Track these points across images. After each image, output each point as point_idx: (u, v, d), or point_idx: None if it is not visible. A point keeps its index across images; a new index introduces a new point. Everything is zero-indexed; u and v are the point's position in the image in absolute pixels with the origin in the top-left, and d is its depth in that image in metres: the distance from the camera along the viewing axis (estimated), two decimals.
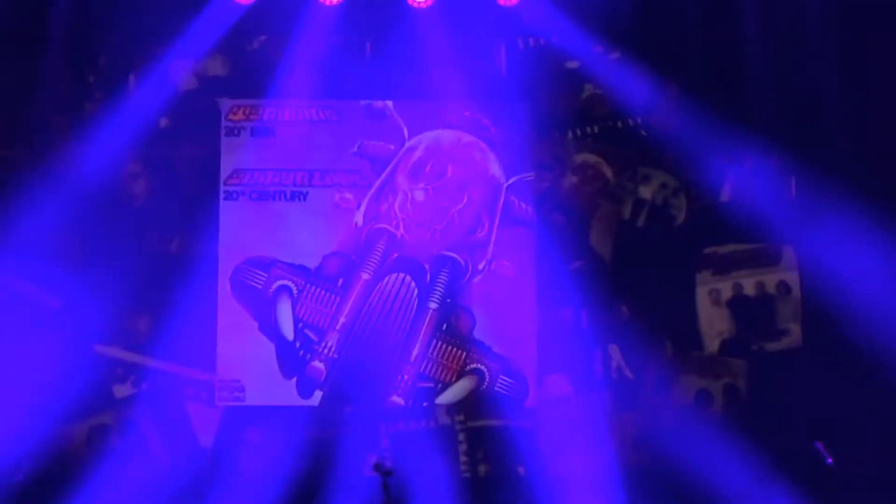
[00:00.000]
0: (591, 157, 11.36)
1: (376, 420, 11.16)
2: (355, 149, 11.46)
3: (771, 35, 11.12)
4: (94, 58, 11.25)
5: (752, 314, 11.24)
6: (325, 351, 11.26)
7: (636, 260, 11.23)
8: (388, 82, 11.36)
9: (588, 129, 11.38)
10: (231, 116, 11.48)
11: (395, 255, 11.41)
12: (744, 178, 11.14)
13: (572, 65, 11.35)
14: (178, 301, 11.03)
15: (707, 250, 11.27)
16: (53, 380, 10.75)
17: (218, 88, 11.40)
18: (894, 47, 11.00)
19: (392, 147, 11.46)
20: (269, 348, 11.32)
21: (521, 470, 11.01)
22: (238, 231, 11.38)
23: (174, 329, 11.02)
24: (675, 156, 11.18)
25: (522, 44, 11.38)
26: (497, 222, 11.40)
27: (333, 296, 11.35)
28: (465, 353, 11.31)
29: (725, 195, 11.24)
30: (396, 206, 11.39)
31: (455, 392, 11.27)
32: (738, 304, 11.26)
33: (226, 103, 11.48)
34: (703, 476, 10.60)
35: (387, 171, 11.42)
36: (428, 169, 11.44)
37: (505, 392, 11.25)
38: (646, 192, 11.36)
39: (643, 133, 11.34)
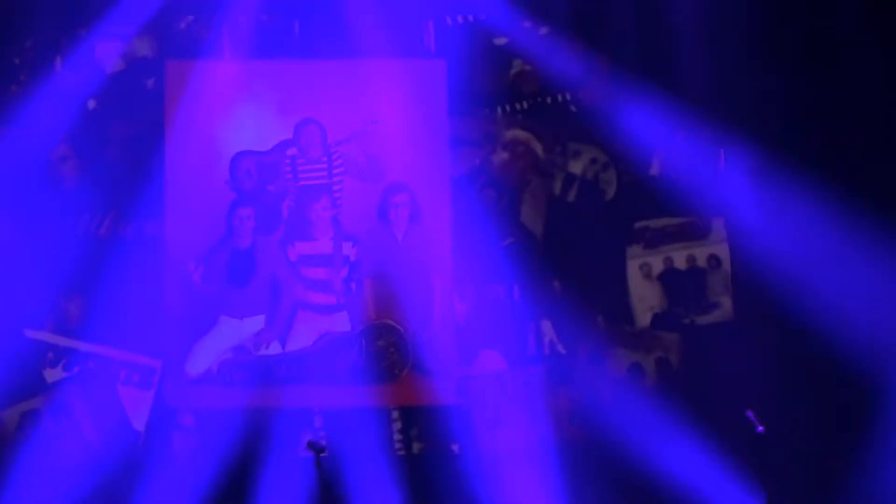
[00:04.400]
0: (520, 134, 11.36)
1: None
2: None
3: (700, 8, 11.17)
4: (19, 40, 11.14)
5: (682, 288, 11.30)
6: None
7: (567, 235, 11.25)
8: None
9: (517, 105, 11.37)
10: None
11: None
12: (673, 151, 11.20)
13: (501, 41, 11.35)
14: (108, 283, 10.93)
15: (638, 224, 11.30)
16: None
17: (146, 70, 11.31)
18: (820, 14, 11.08)
19: None
20: None
21: (455, 447, 11.01)
22: None
23: (105, 312, 10.93)
24: (605, 130, 11.20)
25: (451, 20, 11.38)
26: None
27: None
28: None
29: (655, 169, 11.29)
30: None
31: None
32: (669, 278, 11.30)
33: None
34: (636, 448, 10.66)
35: None
36: None
37: None
38: (576, 167, 11.38)
39: (573, 108, 11.34)
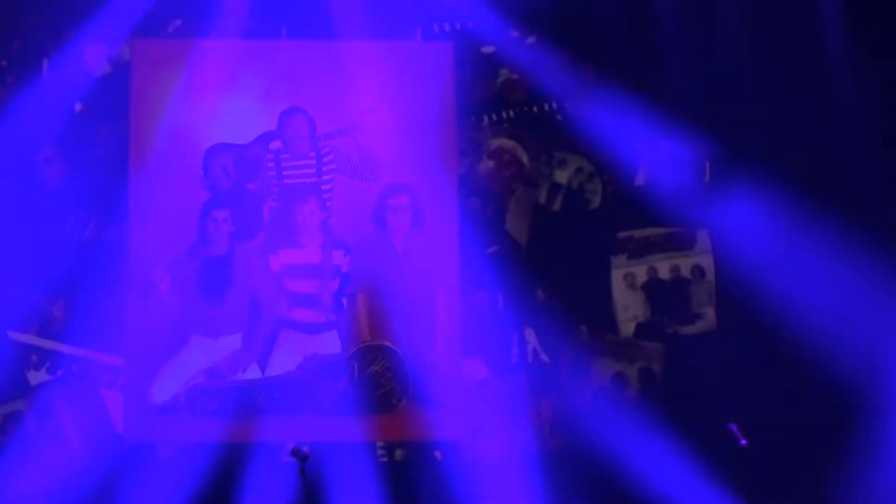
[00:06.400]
0: (506, 142, 11.37)
1: None
2: None
3: (686, 18, 11.19)
4: (6, 42, 11.13)
5: (666, 298, 11.32)
6: None
7: (552, 244, 11.27)
8: None
9: (504, 114, 11.38)
10: None
11: None
12: (659, 162, 11.21)
13: (488, 49, 11.34)
14: (93, 287, 10.91)
15: (622, 234, 11.32)
16: None
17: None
18: (807, 29, 11.10)
19: None
20: None
21: (437, 454, 11.00)
22: None
23: (90, 315, 10.90)
24: (591, 140, 11.22)
25: (438, 28, 11.36)
26: None
27: None
28: None
29: (640, 179, 11.30)
30: None
31: None
32: (653, 288, 11.32)
33: None
34: (618, 458, 10.68)
35: None
36: None
37: None
38: (561, 176, 11.40)
39: (559, 118, 11.36)
